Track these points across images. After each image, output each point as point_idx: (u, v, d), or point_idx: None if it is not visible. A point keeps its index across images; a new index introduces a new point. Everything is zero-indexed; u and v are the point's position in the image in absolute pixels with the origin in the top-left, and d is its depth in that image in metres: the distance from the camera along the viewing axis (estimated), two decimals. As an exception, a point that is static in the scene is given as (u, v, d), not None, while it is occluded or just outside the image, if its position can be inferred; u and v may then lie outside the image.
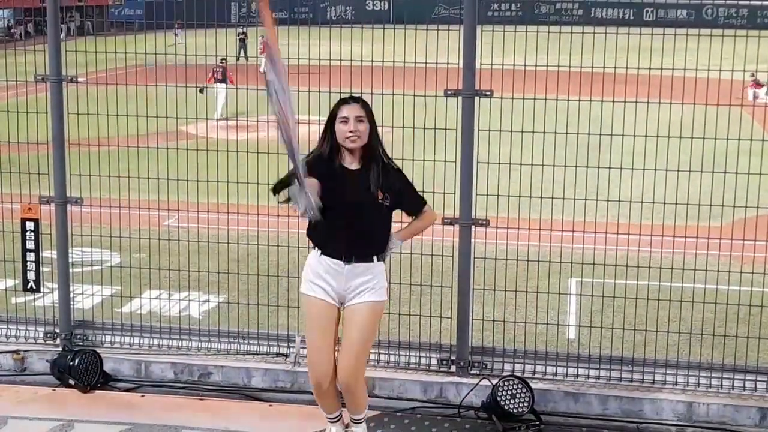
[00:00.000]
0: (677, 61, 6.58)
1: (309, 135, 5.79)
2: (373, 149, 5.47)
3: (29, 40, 8.22)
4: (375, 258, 5.49)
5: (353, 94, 5.65)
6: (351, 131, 5.36)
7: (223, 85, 21.51)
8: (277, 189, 5.34)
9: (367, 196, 5.40)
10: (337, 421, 5.84)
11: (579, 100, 6.77)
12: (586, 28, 6.75)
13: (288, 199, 5.18)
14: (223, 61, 7.58)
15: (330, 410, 5.79)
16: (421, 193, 5.68)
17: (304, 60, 7.23)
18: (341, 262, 5.42)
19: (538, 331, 7.15)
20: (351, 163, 5.46)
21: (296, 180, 5.01)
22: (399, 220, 5.63)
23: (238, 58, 30.42)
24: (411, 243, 6.08)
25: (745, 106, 7.03)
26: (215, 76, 21.18)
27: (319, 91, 6.73)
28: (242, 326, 7.37)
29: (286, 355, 7.06)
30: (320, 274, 5.48)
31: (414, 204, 5.66)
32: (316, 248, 5.53)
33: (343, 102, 5.49)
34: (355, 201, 5.39)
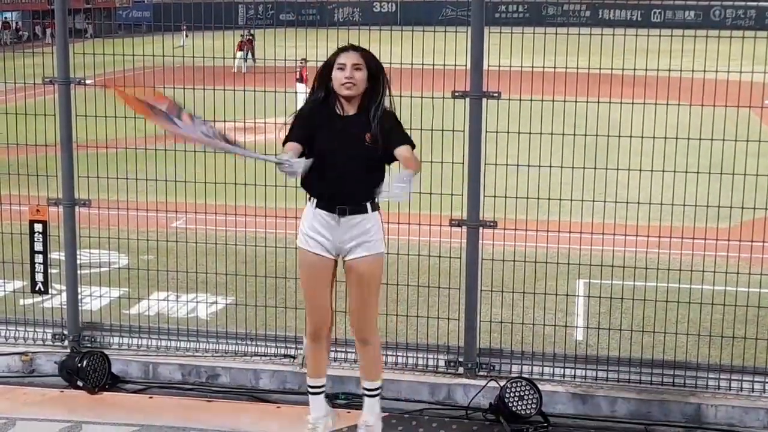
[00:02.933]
0: (685, 63, 6.57)
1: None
2: (371, 96, 5.41)
3: (37, 42, 8.21)
4: (369, 208, 5.43)
5: (354, 44, 5.59)
6: (347, 78, 5.32)
7: (303, 86, 21.58)
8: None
9: (358, 143, 5.33)
10: (321, 392, 5.81)
11: (587, 102, 6.76)
12: (594, 30, 6.75)
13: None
14: (303, 61, 7.62)
15: (318, 372, 5.77)
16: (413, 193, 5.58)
17: (311, 62, 7.23)
18: (335, 215, 5.39)
19: (545, 333, 7.14)
20: (347, 111, 5.42)
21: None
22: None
23: (245, 60, 30.53)
24: (418, 244, 6.10)
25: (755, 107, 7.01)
26: (296, 76, 21.21)
27: (299, 92, 6.72)
28: (250, 328, 7.37)
29: (293, 357, 7.06)
30: (315, 227, 5.45)
31: (399, 141, 5.40)
32: (311, 199, 5.49)
33: (341, 50, 5.44)
34: (344, 149, 5.33)
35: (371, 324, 5.66)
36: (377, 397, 5.83)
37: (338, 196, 5.39)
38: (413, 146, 5.48)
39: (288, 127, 5.45)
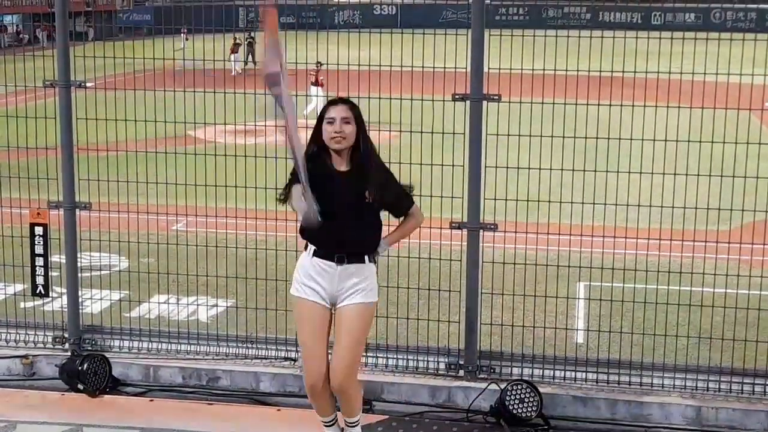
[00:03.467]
0: (685, 65, 6.57)
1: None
2: (361, 151, 5.44)
3: (38, 46, 8.23)
4: (366, 259, 5.48)
5: (342, 96, 5.63)
6: (336, 132, 5.35)
7: (318, 89, 21.59)
8: (283, 198, 5.39)
9: (356, 197, 5.38)
10: (332, 425, 5.82)
11: (587, 105, 6.77)
12: (594, 32, 6.75)
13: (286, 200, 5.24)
14: (318, 64, 7.60)
15: (325, 413, 5.77)
16: (414, 196, 5.66)
17: (312, 65, 7.24)
18: (333, 264, 5.42)
19: (546, 335, 7.14)
20: (340, 165, 5.45)
21: (299, 185, 5.03)
22: (387, 223, 5.61)
23: (246, 63, 30.58)
24: (419, 247, 6.09)
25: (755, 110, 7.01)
26: (311, 79, 21.18)
27: (327, 96, 6.73)
28: (250, 331, 7.38)
29: (294, 360, 7.07)
30: (312, 276, 5.47)
31: (399, 206, 5.61)
32: (308, 248, 5.51)
33: (330, 103, 5.48)
34: (345, 202, 5.37)
35: (348, 374, 5.57)
36: (358, 427, 5.85)
37: (340, 248, 5.43)
38: (412, 204, 5.61)
39: (288, 180, 5.46)
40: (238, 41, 30.53)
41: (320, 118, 5.46)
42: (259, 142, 7.29)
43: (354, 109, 5.45)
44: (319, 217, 5.15)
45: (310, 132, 5.49)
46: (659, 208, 6.71)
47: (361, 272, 5.47)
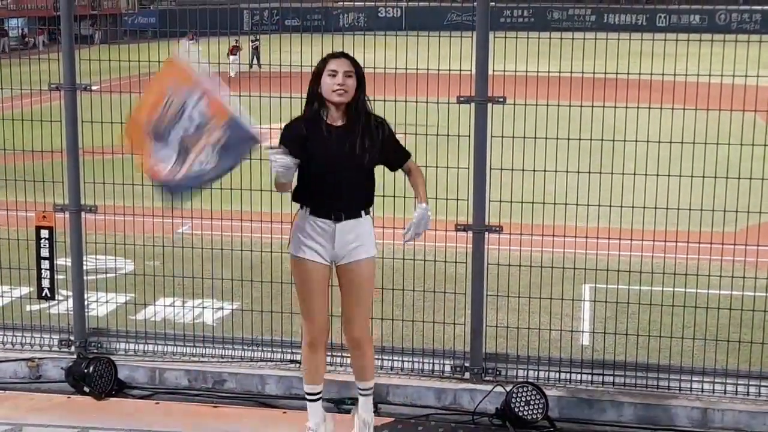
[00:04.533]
0: (690, 67, 6.57)
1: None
2: (358, 106, 5.46)
3: (43, 49, 8.24)
4: (363, 213, 5.52)
5: (342, 51, 5.64)
6: (339, 84, 5.36)
7: None
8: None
9: (350, 152, 5.40)
10: (318, 399, 5.86)
11: (592, 106, 6.76)
12: (599, 34, 6.75)
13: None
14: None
15: (315, 380, 5.82)
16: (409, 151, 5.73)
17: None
18: (331, 221, 5.45)
19: (552, 338, 7.14)
20: (336, 120, 5.46)
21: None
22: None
23: (251, 66, 30.58)
24: (424, 249, 6.09)
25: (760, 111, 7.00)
26: None
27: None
28: (256, 333, 7.38)
29: (299, 362, 7.06)
30: (311, 235, 5.50)
31: (396, 158, 5.66)
32: (304, 208, 5.54)
33: (331, 56, 5.50)
34: (339, 158, 5.40)
35: (365, 327, 5.75)
36: (371, 396, 5.94)
37: (336, 204, 5.47)
38: (409, 156, 5.69)
39: (279, 137, 5.49)
40: (237, 44, 30.55)
41: (319, 71, 5.45)
42: (264, 145, 7.28)
43: (356, 65, 5.46)
44: (294, 167, 5.23)
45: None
46: (665, 209, 6.70)
47: (359, 227, 5.51)
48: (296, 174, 5.46)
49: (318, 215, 5.48)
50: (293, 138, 5.44)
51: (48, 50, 8.00)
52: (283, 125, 5.71)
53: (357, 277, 5.58)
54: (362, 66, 5.53)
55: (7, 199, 7.81)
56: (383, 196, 6.15)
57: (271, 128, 6.47)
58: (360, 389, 5.95)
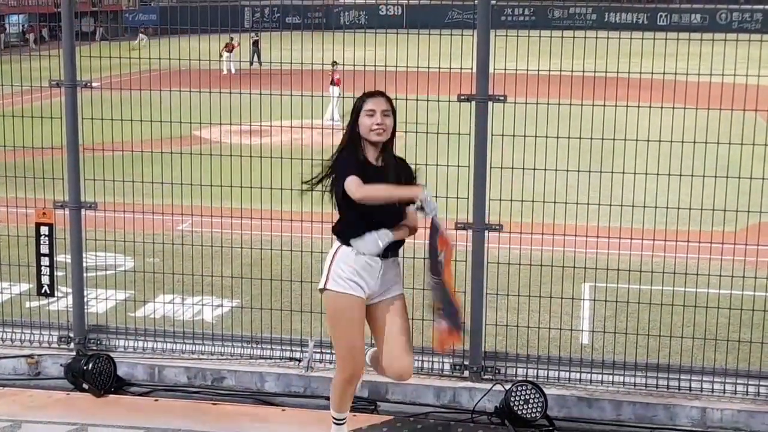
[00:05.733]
0: (691, 66, 6.56)
1: (311, 138, 5.78)
2: (390, 145, 5.51)
3: (44, 45, 8.24)
4: (399, 251, 5.63)
5: (377, 89, 5.65)
6: (378, 124, 5.38)
7: (337, 89, 21.66)
8: (313, 183, 5.56)
9: None
10: (343, 424, 5.85)
11: (592, 105, 6.76)
12: (600, 33, 6.74)
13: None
14: (334, 64, 7.55)
15: (345, 408, 5.81)
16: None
17: (317, 65, 7.25)
18: (378, 259, 5.47)
19: (551, 336, 7.14)
20: (373, 158, 5.48)
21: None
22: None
23: (251, 63, 30.62)
24: (423, 247, 6.07)
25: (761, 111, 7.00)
26: (330, 80, 21.22)
27: (332, 96, 6.73)
28: (255, 331, 7.38)
29: (299, 360, 7.07)
30: (357, 272, 5.48)
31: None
32: (349, 246, 5.50)
33: (368, 95, 5.50)
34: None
35: (412, 360, 5.72)
36: None
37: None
38: None
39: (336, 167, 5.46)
40: (231, 41, 30.64)
41: (357, 110, 5.46)
42: (264, 142, 7.30)
43: (390, 102, 5.49)
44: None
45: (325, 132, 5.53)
46: (665, 209, 6.70)
47: (395, 264, 5.63)
48: (345, 211, 5.50)
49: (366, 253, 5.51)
50: (357, 167, 5.39)
51: (39, 48, 7.98)
52: (283, 123, 5.70)
53: (396, 312, 5.61)
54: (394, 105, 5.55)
55: (6, 196, 7.82)
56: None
57: (271, 126, 6.48)
58: None
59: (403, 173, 5.56)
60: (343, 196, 5.36)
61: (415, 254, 6.97)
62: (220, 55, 26.85)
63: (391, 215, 5.47)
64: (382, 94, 5.53)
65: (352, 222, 5.45)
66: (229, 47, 30.17)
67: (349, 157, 5.43)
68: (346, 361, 5.63)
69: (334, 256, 5.55)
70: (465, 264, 6.82)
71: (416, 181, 5.66)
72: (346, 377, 5.66)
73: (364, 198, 5.25)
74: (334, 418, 5.82)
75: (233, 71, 27.30)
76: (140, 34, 20.60)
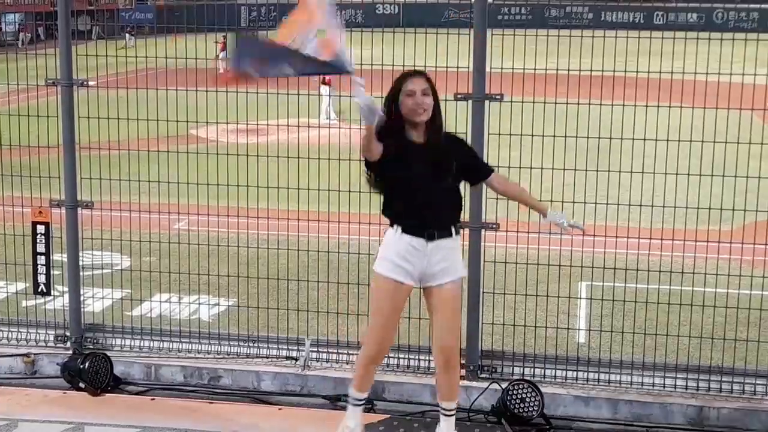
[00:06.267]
0: (687, 65, 6.57)
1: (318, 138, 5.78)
2: (436, 123, 5.46)
3: (40, 44, 8.22)
4: (453, 232, 5.52)
5: (416, 69, 5.64)
6: (418, 104, 5.36)
7: (327, 88, 21.62)
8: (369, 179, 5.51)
9: (434, 170, 5.41)
10: (362, 405, 5.85)
11: (589, 104, 6.76)
12: (596, 32, 6.75)
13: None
14: None
15: (365, 387, 5.81)
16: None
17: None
18: (423, 241, 5.43)
19: (548, 335, 7.14)
20: (417, 138, 5.46)
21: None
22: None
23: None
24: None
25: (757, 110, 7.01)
26: (320, 79, 21.22)
27: (329, 95, 6.73)
28: (252, 330, 7.38)
29: (296, 359, 7.07)
30: (401, 254, 5.46)
31: (478, 171, 5.71)
32: (395, 227, 5.50)
33: (408, 75, 5.47)
34: (425, 176, 5.40)
35: (458, 349, 5.77)
36: (454, 417, 5.87)
37: (428, 223, 5.45)
38: (492, 170, 5.77)
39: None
40: (225, 39, 30.59)
41: (396, 91, 5.43)
42: (261, 141, 7.29)
43: (430, 81, 5.46)
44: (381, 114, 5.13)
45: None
46: (661, 207, 6.71)
47: (448, 246, 5.50)
48: (385, 191, 5.50)
49: (411, 234, 5.46)
50: (388, 143, 5.32)
51: (26, 48, 7.97)
52: (279, 122, 5.70)
53: (447, 300, 5.57)
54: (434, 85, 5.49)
55: (3, 195, 7.80)
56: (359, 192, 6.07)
57: (268, 124, 6.48)
58: (445, 409, 5.86)
59: (454, 151, 5.50)
60: (376, 174, 5.43)
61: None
62: (217, 56, 26.90)
63: (427, 186, 5.39)
64: (421, 73, 5.51)
65: (390, 201, 5.50)
66: (224, 47, 30.20)
67: (388, 137, 5.35)
68: (372, 339, 5.70)
69: (385, 237, 5.59)
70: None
71: (474, 157, 5.67)
72: (371, 354, 5.71)
73: (363, 151, 5.27)
74: (351, 396, 5.83)
75: (222, 69, 27.26)
76: (127, 35, 20.51)
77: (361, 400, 5.83)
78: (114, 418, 6.47)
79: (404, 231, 5.46)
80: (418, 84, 5.39)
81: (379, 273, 5.54)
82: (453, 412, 5.85)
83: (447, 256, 5.50)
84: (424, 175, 5.39)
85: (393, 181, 5.43)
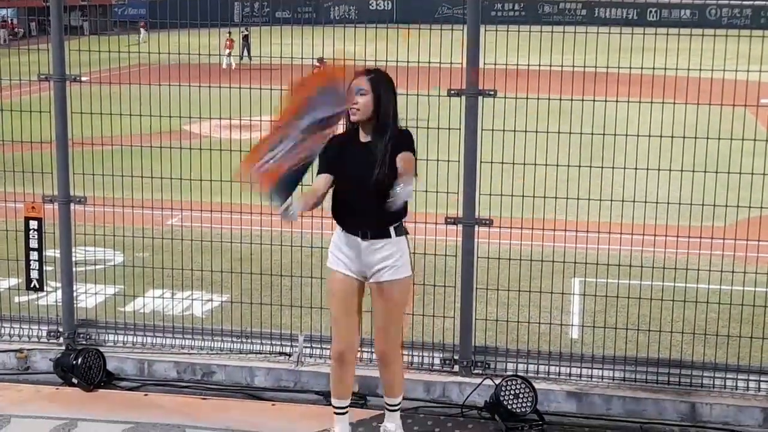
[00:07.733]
0: (681, 62, 6.57)
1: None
2: (380, 121, 5.41)
3: (33, 39, 8.20)
4: (393, 233, 5.49)
5: (369, 67, 5.63)
6: (352, 104, 5.37)
7: None
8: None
9: (368, 170, 5.34)
10: (345, 413, 5.84)
11: (582, 100, 6.76)
12: (590, 28, 6.75)
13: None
14: (320, 60, 7.49)
15: (342, 394, 5.79)
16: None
17: (307, 59, 7.23)
18: (358, 240, 5.47)
19: (541, 331, 7.15)
20: (364, 137, 5.47)
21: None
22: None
23: (241, 58, 30.61)
24: (414, 242, 6.08)
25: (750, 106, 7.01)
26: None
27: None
28: (245, 325, 7.37)
29: (289, 355, 7.07)
30: (340, 247, 5.57)
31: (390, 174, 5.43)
32: (338, 226, 5.58)
33: (355, 75, 5.47)
34: (359, 176, 5.38)
35: (393, 346, 5.76)
36: (398, 411, 5.98)
37: (361, 223, 5.46)
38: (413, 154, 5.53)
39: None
40: (230, 37, 30.76)
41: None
42: (253, 137, 7.27)
43: (373, 79, 5.41)
44: (293, 215, 5.15)
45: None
46: (655, 204, 6.71)
47: (388, 248, 5.48)
48: (331, 192, 5.52)
49: (348, 232, 5.51)
50: (329, 154, 5.43)
51: (9, 45, 7.96)
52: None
53: (385, 299, 5.56)
54: (385, 81, 5.45)
55: (-5, 190, 7.79)
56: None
57: (261, 120, 6.47)
58: (388, 404, 5.94)
59: (398, 148, 5.34)
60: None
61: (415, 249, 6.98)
62: (229, 53, 27.09)
63: (360, 186, 5.36)
64: (366, 72, 5.47)
65: (333, 200, 5.57)
66: (231, 44, 30.39)
67: (331, 141, 5.43)
68: (333, 336, 5.75)
69: (333, 236, 5.69)
70: (455, 258, 6.83)
71: (415, 152, 5.47)
72: (333, 354, 5.73)
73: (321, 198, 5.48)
74: (333, 405, 5.85)
75: (233, 66, 27.44)
76: (142, 30, 20.46)
77: (339, 408, 5.82)
78: (107, 413, 6.46)
79: (343, 229, 5.55)
80: (356, 83, 5.39)
81: (328, 267, 5.67)
82: (396, 407, 5.92)
83: (387, 255, 5.49)
84: (358, 175, 5.37)
85: (334, 181, 5.46)
